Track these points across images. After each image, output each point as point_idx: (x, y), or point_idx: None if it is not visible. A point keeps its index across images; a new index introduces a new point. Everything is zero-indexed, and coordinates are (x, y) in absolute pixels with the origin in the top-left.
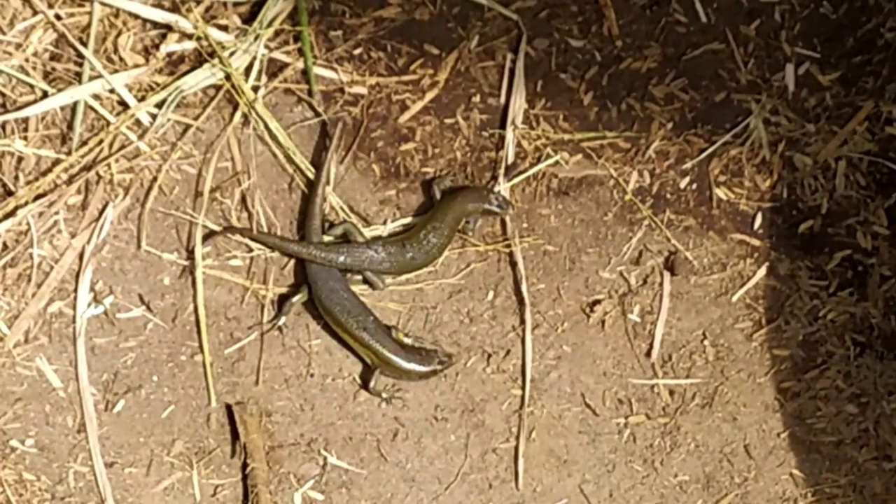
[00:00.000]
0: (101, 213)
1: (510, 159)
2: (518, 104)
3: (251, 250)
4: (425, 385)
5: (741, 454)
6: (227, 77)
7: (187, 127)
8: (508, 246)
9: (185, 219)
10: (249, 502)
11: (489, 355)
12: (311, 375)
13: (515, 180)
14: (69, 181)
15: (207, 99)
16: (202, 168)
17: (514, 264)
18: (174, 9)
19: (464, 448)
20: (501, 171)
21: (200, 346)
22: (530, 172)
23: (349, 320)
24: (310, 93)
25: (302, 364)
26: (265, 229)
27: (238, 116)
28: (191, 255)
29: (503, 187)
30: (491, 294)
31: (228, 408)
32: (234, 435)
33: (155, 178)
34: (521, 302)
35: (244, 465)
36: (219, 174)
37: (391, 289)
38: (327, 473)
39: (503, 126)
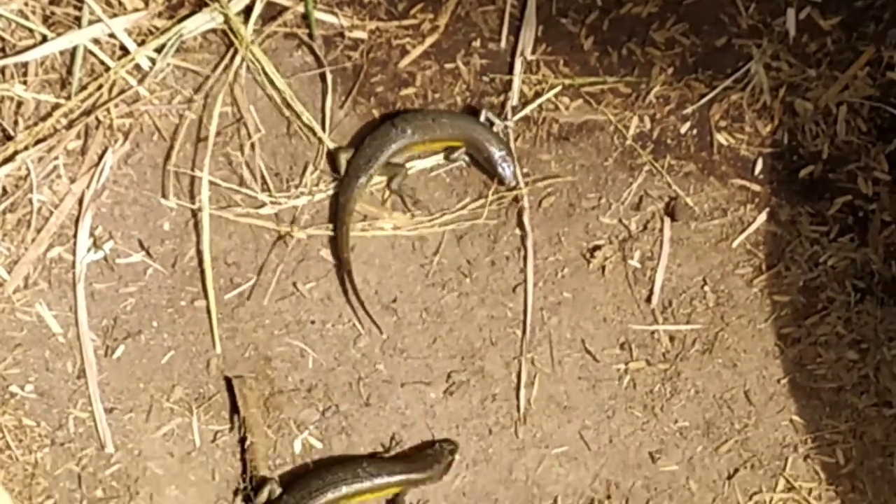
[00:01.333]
0: (100, 158)
1: (515, 99)
2: (528, 37)
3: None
4: (424, 331)
5: (741, 400)
6: (226, 20)
7: (187, 72)
8: (512, 191)
9: (186, 165)
10: (248, 477)
11: (489, 302)
12: (312, 322)
13: (520, 115)
14: (69, 126)
15: (207, 43)
16: (203, 114)
17: (520, 212)
18: None
19: (464, 394)
20: (508, 110)
21: (205, 293)
22: (533, 106)
23: (359, 484)
24: (310, 37)
25: (302, 310)
26: (265, 174)
27: (238, 60)
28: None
29: (511, 122)
30: (491, 239)
31: (227, 380)
32: (234, 408)
33: (154, 123)
34: (524, 245)
35: (242, 440)
36: (220, 119)
37: (391, 235)
38: (327, 419)
39: (509, 69)
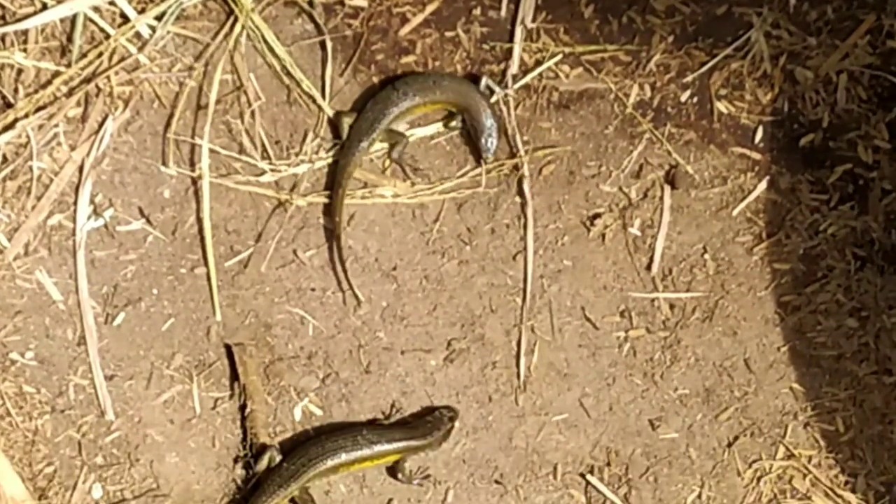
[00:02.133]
0: (100, 125)
1: (515, 67)
2: (528, 4)
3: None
4: (425, 299)
5: (741, 368)
6: None
7: (187, 39)
8: (512, 158)
9: (186, 133)
10: (248, 445)
11: (489, 270)
12: (312, 289)
13: (520, 83)
14: (69, 94)
15: (207, 11)
16: (203, 81)
17: (520, 180)
18: None
19: (464, 362)
20: (509, 79)
21: (205, 260)
22: (534, 74)
23: (359, 451)
24: (310, 4)
25: (302, 277)
26: (265, 142)
27: (238, 28)
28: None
29: (511, 90)
30: (491, 207)
31: (228, 348)
32: (234, 376)
33: (155, 91)
34: (524, 212)
35: (243, 407)
36: (220, 87)
37: (391, 203)
38: (327, 387)
39: (509, 37)
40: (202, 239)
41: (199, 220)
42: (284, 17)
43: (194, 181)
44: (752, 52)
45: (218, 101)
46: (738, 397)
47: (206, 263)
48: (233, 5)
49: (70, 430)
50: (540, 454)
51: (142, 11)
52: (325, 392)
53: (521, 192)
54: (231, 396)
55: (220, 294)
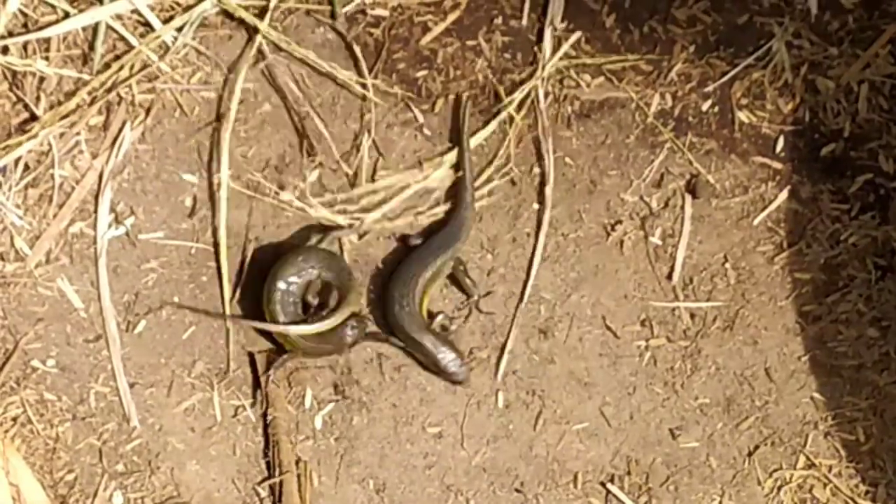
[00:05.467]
0: (121, 133)
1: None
2: (556, 7)
3: (270, 186)
4: (447, 307)
5: (762, 377)
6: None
7: (208, 48)
8: (532, 169)
9: (207, 142)
10: (271, 452)
11: (510, 278)
12: None
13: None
14: (91, 102)
15: (229, 20)
16: (224, 91)
17: (541, 187)
18: None
19: (483, 371)
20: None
21: (218, 268)
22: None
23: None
24: (332, 15)
25: None
26: (285, 154)
27: (258, 38)
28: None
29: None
30: (512, 216)
31: (251, 356)
32: (256, 383)
33: (176, 100)
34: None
35: (265, 415)
36: (241, 96)
37: (412, 213)
38: (348, 395)
39: (531, 45)
40: (216, 247)
41: (215, 230)
42: (305, 27)
43: (212, 188)
44: (773, 61)
45: (239, 111)
46: (758, 406)
47: (219, 273)
48: (253, 19)
49: (91, 437)
50: (560, 463)
51: (166, 21)
52: (346, 402)
53: (541, 200)
54: (253, 404)
55: (243, 301)
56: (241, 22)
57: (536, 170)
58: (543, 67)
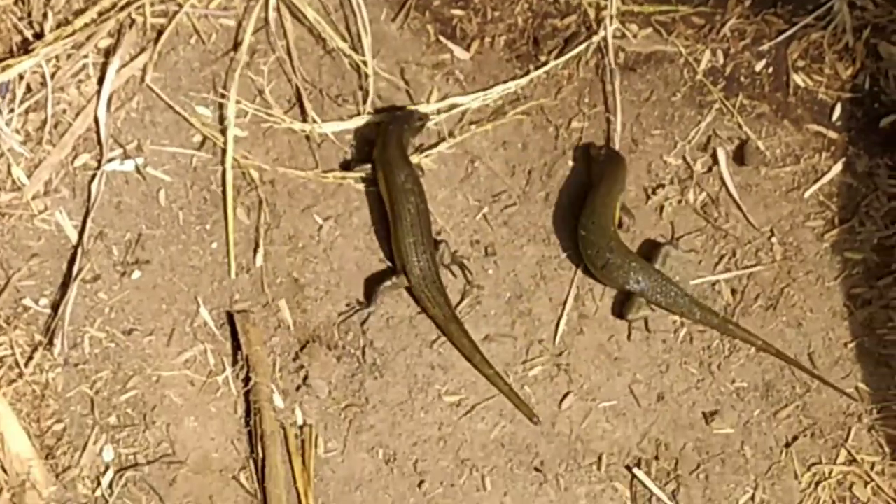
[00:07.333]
0: (132, 59)
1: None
2: None
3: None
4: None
5: (804, 362)
6: None
7: None
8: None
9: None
10: (252, 420)
11: (541, 240)
12: (356, 248)
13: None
14: (100, 23)
15: None
16: (243, 17)
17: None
18: None
19: (507, 336)
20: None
21: (225, 215)
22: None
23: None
24: None
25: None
26: (304, 93)
27: None
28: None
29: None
30: (546, 173)
31: (229, 315)
32: (236, 345)
33: (193, 25)
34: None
35: (246, 379)
36: (258, 25)
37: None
38: (363, 358)
39: None
40: (224, 191)
41: (222, 172)
42: None
43: (224, 123)
44: (833, 22)
45: (256, 41)
46: (799, 394)
47: (225, 218)
48: None
49: (83, 385)
50: (584, 442)
51: None
52: (361, 365)
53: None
54: (234, 364)
55: (253, 249)
56: None
57: (575, 123)
58: (611, 18)
